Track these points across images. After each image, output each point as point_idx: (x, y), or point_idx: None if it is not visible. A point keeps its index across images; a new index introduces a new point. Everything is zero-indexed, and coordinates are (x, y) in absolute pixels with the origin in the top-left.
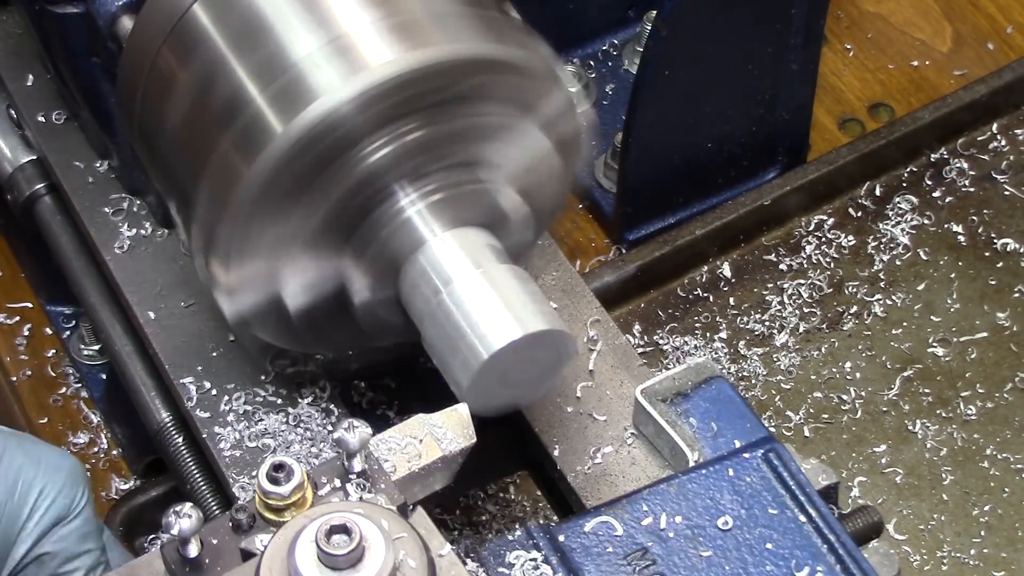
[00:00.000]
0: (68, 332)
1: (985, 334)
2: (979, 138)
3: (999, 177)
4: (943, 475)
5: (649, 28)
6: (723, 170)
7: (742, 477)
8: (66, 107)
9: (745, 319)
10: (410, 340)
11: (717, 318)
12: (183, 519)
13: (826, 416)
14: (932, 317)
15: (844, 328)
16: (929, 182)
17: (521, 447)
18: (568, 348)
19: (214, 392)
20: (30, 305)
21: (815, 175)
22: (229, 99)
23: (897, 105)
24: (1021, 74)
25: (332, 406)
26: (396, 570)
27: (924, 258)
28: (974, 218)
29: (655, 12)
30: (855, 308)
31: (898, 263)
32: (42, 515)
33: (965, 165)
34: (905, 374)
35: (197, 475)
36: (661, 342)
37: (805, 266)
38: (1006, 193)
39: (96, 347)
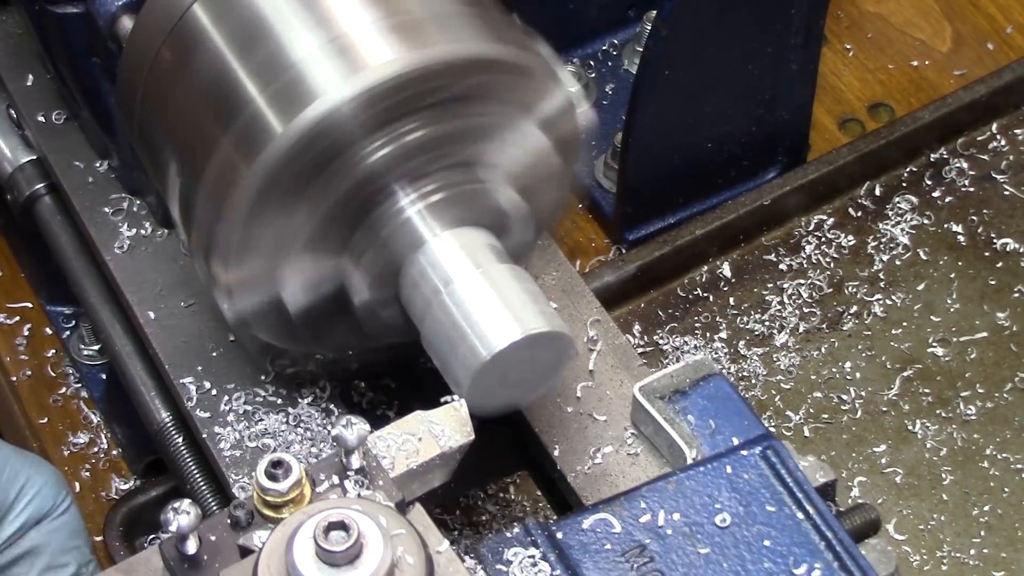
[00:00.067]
0: (68, 332)
1: (985, 334)
2: (979, 138)
3: (999, 177)
4: (943, 475)
5: (649, 28)
6: (723, 170)
7: (740, 474)
8: (66, 107)
9: (745, 319)
10: (410, 340)
11: (717, 318)
12: (181, 516)
13: (826, 416)
14: (932, 317)
15: (844, 328)
16: (929, 182)
17: (521, 447)
18: (568, 349)
19: (214, 392)
20: (30, 305)
21: (815, 175)
22: (229, 99)
23: (897, 105)
24: (1021, 74)
25: (332, 406)
26: (394, 566)
27: (924, 258)
28: (974, 218)
29: (655, 12)
30: (855, 308)
31: (898, 263)
32: (28, 501)
33: (965, 165)
34: (905, 374)
35: (197, 475)
36: (661, 342)
37: (805, 266)
38: (1006, 193)
39: (96, 347)
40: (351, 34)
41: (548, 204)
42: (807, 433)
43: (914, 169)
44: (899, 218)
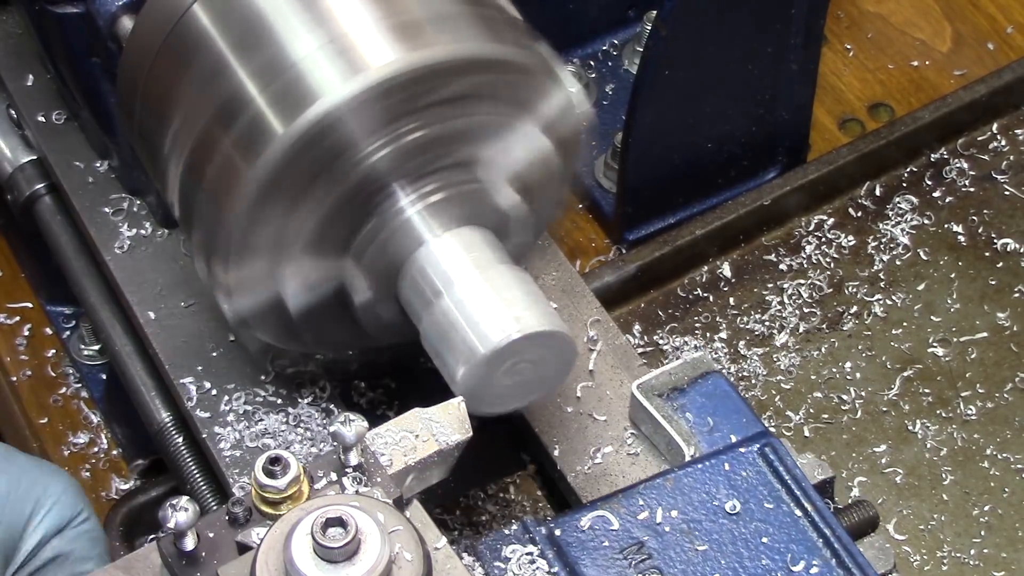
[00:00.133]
0: (68, 332)
1: (985, 334)
2: (979, 138)
3: (999, 177)
4: (943, 475)
5: (649, 28)
6: (723, 170)
7: (738, 471)
8: (66, 107)
9: (745, 319)
10: (410, 340)
11: (717, 318)
12: (179, 512)
13: (826, 416)
14: (932, 317)
15: (844, 328)
16: (929, 182)
17: (521, 447)
18: (568, 349)
19: (214, 392)
20: (30, 305)
21: (815, 175)
22: (229, 99)
23: (897, 105)
24: (1021, 74)
25: (332, 406)
26: (392, 563)
27: (924, 258)
28: (974, 218)
29: (655, 12)
30: (855, 308)
31: (898, 263)
32: (48, 511)
33: (965, 165)
34: (905, 374)
35: (197, 475)
36: (661, 342)
37: (805, 266)
38: (1006, 193)
39: (96, 347)
40: (351, 34)
41: (548, 204)
42: (807, 433)
43: (914, 169)
44: (899, 218)
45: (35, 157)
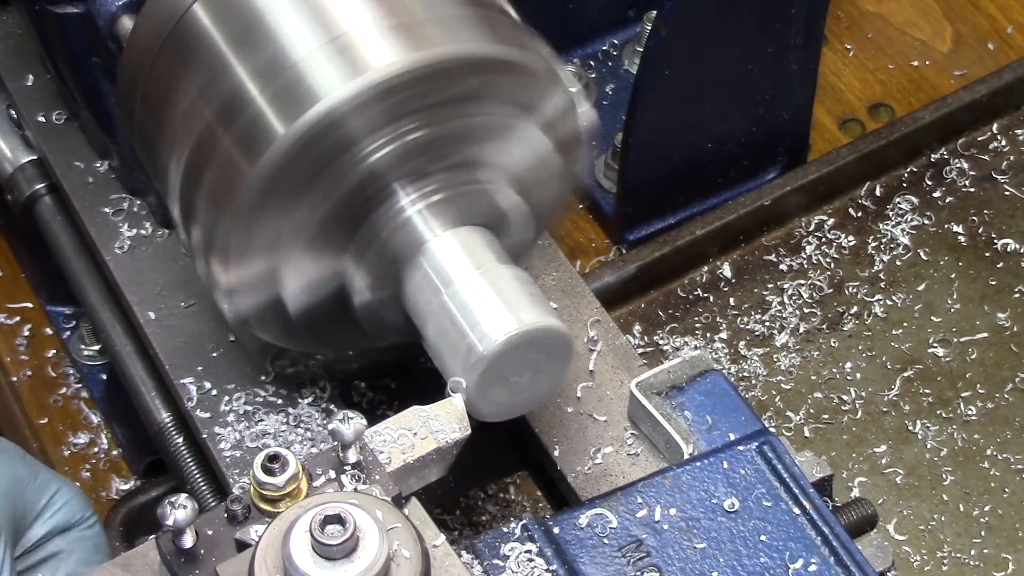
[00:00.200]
0: (68, 332)
1: (985, 334)
2: (979, 138)
3: (999, 177)
4: (943, 475)
5: (649, 28)
6: (723, 170)
7: (737, 470)
8: (66, 107)
9: (745, 319)
10: (410, 340)
11: (717, 318)
12: (178, 510)
13: (826, 416)
14: (932, 317)
15: (844, 328)
16: (929, 182)
17: (521, 447)
18: (567, 349)
19: (214, 392)
20: (30, 305)
21: (815, 175)
22: (229, 99)
23: (897, 105)
24: (1021, 74)
25: (332, 406)
26: (390, 560)
27: (924, 258)
28: (974, 218)
29: (655, 12)
30: (855, 308)
31: (898, 263)
32: (58, 508)
33: (965, 165)
34: (905, 374)
35: (197, 475)
36: (661, 342)
37: (805, 266)
38: (1006, 193)
39: (96, 347)
40: (351, 34)
41: (548, 204)
42: (807, 433)
43: (914, 169)
44: (899, 218)
45: (35, 157)
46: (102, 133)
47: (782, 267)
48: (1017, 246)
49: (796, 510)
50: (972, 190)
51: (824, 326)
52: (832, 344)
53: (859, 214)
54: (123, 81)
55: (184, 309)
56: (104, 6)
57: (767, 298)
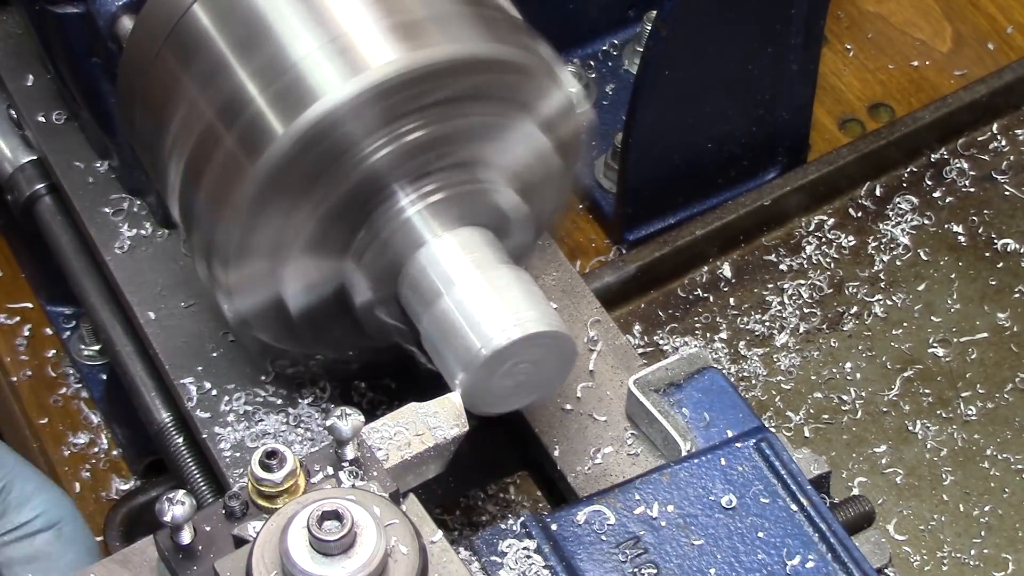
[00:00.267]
0: (68, 332)
1: (985, 334)
2: (979, 138)
3: (999, 177)
4: (943, 475)
5: (649, 28)
6: (723, 170)
7: (734, 466)
8: (66, 107)
9: (745, 319)
10: (410, 340)
11: (717, 318)
12: (176, 506)
13: (826, 416)
14: (932, 317)
15: (844, 328)
16: (929, 182)
17: (521, 447)
18: (568, 350)
19: (214, 392)
20: (30, 305)
21: (815, 175)
22: (229, 99)
23: (897, 105)
24: (1021, 74)
25: (332, 406)
26: (388, 556)
27: (924, 258)
28: (974, 218)
29: (655, 12)
30: (855, 308)
31: (898, 263)
32: (39, 502)
33: (965, 165)
34: (905, 374)
35: (197, 475)
36: (661, 342)
37: (805, 266)
38: (1006, 193)
39: (96, 347)
40: (351, 34)
41: (548, 204)
42: (807, 433)
43: (914, 169)
44: (899, 218)
45: (35, 157)
46: (102, 133)
47: (782, 267)
48: (1017, 246)
49: (794, 507)
50: (972, 190)
51: (824, 326)
52: (832, 344)
53: (859, 214)
54: (123, 81)
55: (184, 309)
56: (104, 6)
57: (767, 298)
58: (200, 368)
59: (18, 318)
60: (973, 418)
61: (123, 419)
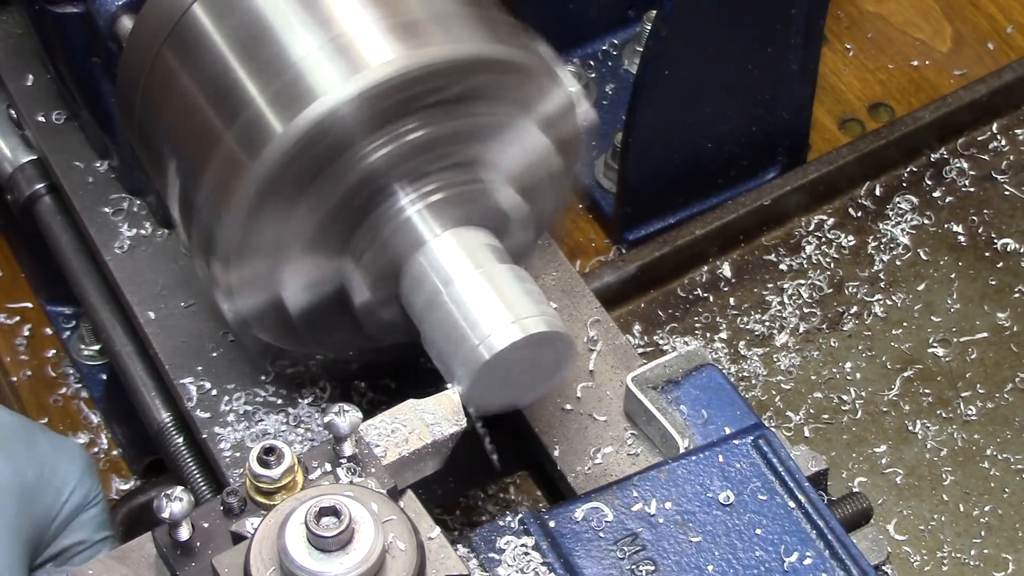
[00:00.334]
0: (68, 332)
1: (985, 334)
2: (979, 138)
3: (999, 177)
4: (943, 475)
5: (649, 28)
6: (723, 170)
7: (732, 463)
8: (66, 107)
9: (745, 319)
10: (410, 340)
11: (717, 318)
12: (174, 502)
13: (826, 416)
14: (932, 317)
15: (844, 328)
16: (929, 182)
17: (521, 447)
18: (568, 349)
19: (214, 392)
20: (30, 305)
21: (815, 175)
22: (229, 99)
23: (897, 105)
24: (1021, 74)
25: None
26: (385, 552)
27: (924, 258)
28: (974, 218)
29: (655, 12)
30: (855, 308)
31: (898, 263)
32: (65, 501)
33: (965, 165)
34: (905, 374)
35: (197, 475)
36: (661, 342)
37: (805, 266)
38: (1006, 193)
39: (96, 347)
40: (351, 34)
41: (548, 204)
42: (807, 433)
43: (914, 169)
44: (899, 218)
45: (35, 157)
46: (102, 133)
47: (782, 267)
48: (1017, 246)
49: (791, 504)
50: (972, 190)
51: (824, 326)
52: (832, 344)
53: (859, 214)
54: (123, 81)
55: (184, 309)
56: (104, 6)
57: (767, 298)
58: (200, 368)
59: (18, 318)
60: (973, 418)
61: (123, 419)
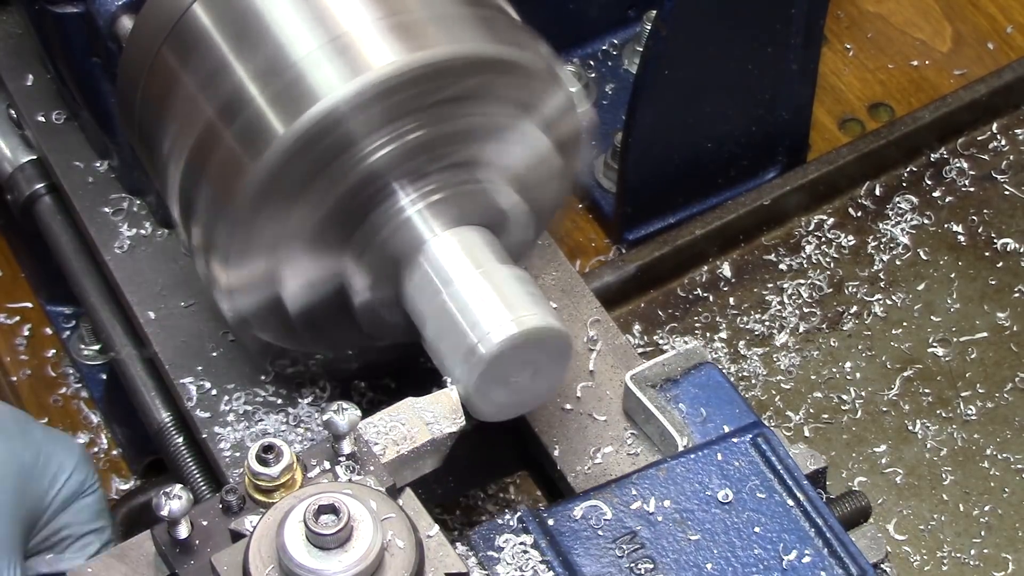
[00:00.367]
0: (68, 332)
1: (985, 334)
2: (979, 138)
3: (999, 177)
4: (943, 475)
5: (649, 28)
6: (723, 170)
7: (731, 461)
8: (66, 107)
9: (745, 319)
10: (410, 340)
11: (717, 318)
12: (173, 500)
13: (826, 416)
14: (932, 317)
15: (844, 328)
16: (929, 182)
17: (521, 447)
18: (567, 349)
19: (214, 392)
20: (30, 305)
21: (815, 175)
22: (229, 99)
23: (897, 105)
24: (1021, 74)
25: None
26: (384, 550)
27: (924, 258)
28: (974, 218)
29: (655, 12)
30: (855, 308)
31: (898, 263)
32: (61, 487)
33: (965, 165)
34: (905, 374)
35: (197, 475)
36: (661, 342)
37: (805, 266)
38: (1006, 193)
39: (96, 347)
40: (351, 34)
41: (548, 204)
42: (807, 433)
43: (914, 169)
44: (899, 218)
45: (35, 157)
46: (102, 133)
47: (782, 267)
48: (1017, 246)
49: (790, 502)
50: (972, 190)
51: (824, 326)
52: (832, 344)
53: (859, 214)
54: (123, 81)
55: (184, 309)
56: (104, 6)
57: (767, 298)
58: (200, 368)
59: (18, 318)
60: (973, 418)
61: (123, 419)
